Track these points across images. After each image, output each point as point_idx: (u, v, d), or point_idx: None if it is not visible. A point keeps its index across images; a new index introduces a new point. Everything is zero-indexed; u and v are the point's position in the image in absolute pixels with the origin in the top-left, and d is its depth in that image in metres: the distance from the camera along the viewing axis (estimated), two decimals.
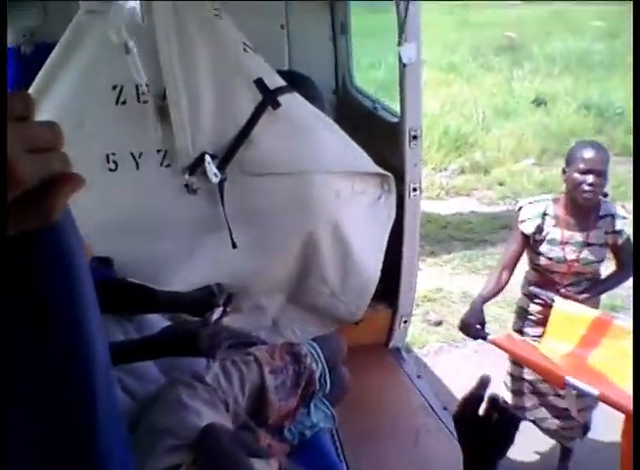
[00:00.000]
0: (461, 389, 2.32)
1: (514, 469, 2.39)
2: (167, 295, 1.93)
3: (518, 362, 2.51)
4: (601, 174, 2.27)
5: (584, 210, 2.35)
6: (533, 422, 2.54)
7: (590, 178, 2.25)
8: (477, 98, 9.54)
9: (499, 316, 4.24)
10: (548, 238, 2.40)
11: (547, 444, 2.75)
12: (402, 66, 2.23)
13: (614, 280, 2.53)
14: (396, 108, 2.55)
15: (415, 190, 2.39)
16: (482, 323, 2.35)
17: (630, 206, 6.16)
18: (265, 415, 1.73)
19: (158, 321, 1.90)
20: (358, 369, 2.07)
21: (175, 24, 1.89)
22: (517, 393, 2.56)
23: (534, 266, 2.48)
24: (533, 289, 2.49)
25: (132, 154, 2.10)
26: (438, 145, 7.64)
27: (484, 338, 2.28)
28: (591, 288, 2.42)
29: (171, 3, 1.87)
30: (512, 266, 2.47)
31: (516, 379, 2.57)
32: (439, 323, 4.37)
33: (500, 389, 2.52)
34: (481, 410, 1.05)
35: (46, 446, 0.56)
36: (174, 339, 1.63)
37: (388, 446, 2.03)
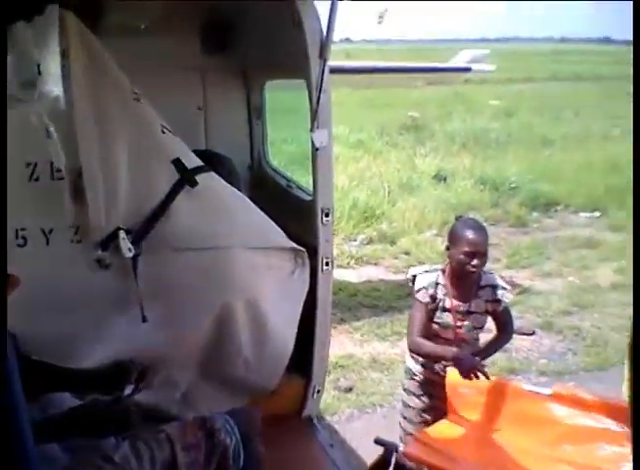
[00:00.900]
0: (372, 454, 2.39)
1: None
2: (76, 372, 1.89)
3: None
4: (484, 254, 2.50)
5: (467, 281, 2.57)
6: None
7: (475, 260, 2.48)
8: (383, 173, 10.12)
9: None
10: (441, 305, 2.59)
11: None
12: (315, 149, 2.39)
13: (495, 344, 2.76)
14: (308, 185, 2.70)
15: (327, 264, 2.50)
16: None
17: (522, 273, 6.63)
18: None
19: (66, 400, 1.85)
20: (272, 440, 2.08)
21: (95, 107, 1.95)
22: None
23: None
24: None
25: (42, 230, 2.08)
26: (348, 216, 7.96)
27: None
28: (477, 354, 2.60)
29: (92, 87, 1.94)
30: (422, 332, 2.60)
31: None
32: (350, 389, 4.45)
33: None
34: None
35: None
36: (84, 417, 1.60)
37: None
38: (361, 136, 14.01)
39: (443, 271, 2.65)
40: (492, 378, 2.46)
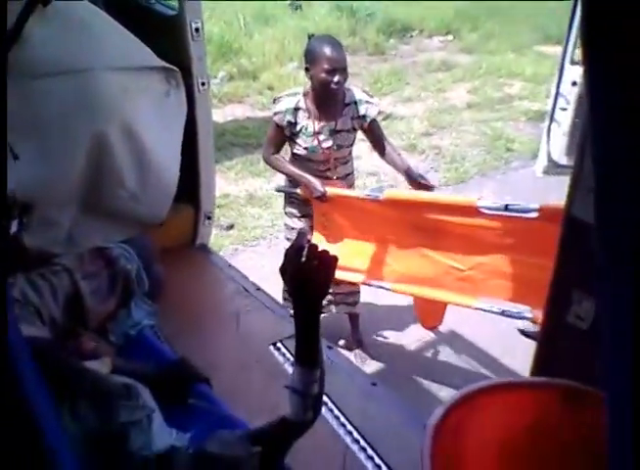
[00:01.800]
0: (262, 280, 2.49)
1: None
2: None
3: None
4: (345, 69, 2.45)
5: (331, 101, 2.53)
6: None
7: (337, 77, 2.41)
8: (235, 4, 9.38)
9: None
10: (303, 130, 2.57)
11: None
12: None
13: (388, 160, 2.79)
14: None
15: (204, 84, 2.35)
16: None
17: (384, 100, 6.74)
18: (85, 321, 1.67)
19: None
20: (170, 268, 2.08)
21: None
22: None
23: (294, 156, 2.65)
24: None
25: None
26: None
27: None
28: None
29: None
30: (275, 150, 2.65)
31: None
32: (231, 227, 4.49)
33: None
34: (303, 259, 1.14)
35: None
36: None
37: (212, 331, 2.11)
38: None
39: (306, 95, 2.57)
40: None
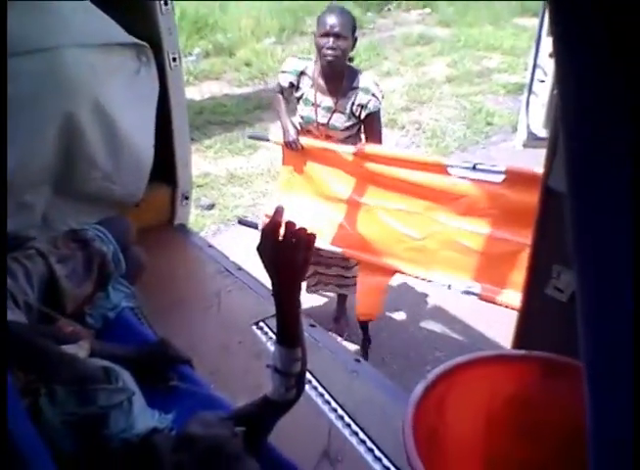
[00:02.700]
0: (245, 261, 2.46)
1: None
2: None
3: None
4: (339, 37, 2.38)
5: (336, 75, 2.47)
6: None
7: (330, 41, 2.36)
8: None
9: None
10: (303, 97, 2.53)
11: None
12: None
13: None
14: None
15: (175, 60, 2.29)
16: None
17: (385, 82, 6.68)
18: (62, 305, 1.64)
19: None
20: (149, 248, 2.05)
21: None
22: None
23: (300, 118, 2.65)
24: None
25: None
26: (178, 29, 7.28)
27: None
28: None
29: None
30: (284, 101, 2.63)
31: None
32: (212, 206, 4.44)
33: None
34: (280, 237, 1.12)
35: None
36: None
37: (193, 312, 2.08)
38: None
39: (315, 62, 2.53)
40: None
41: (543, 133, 3.53)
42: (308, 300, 2.92)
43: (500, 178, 2.12)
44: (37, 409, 1.17)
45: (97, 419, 1.17)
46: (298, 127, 2.62)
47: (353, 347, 2.80)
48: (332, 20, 2.38)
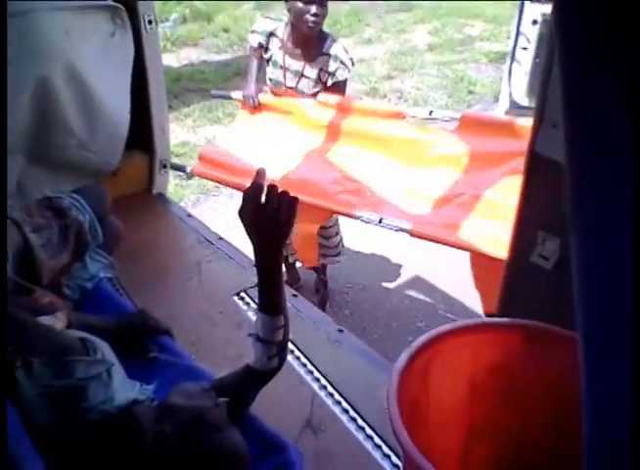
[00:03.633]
0: (226, 230, 2.42)
1: None
2: None
3: None
4: (323, 4, 2.32)
5: (306, 40, 2.41)
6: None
7: (314, 8, 2.29)
8: None
9: None
10: (272, 59, 2.48)
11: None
12: None
13: None
14: None
15: (151, 22, 2.21)
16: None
17: (345, 42, 6.59)
18: (38, 275, 1.60)
19: None
20: (126, 218, 2.00)
21: None
22: None
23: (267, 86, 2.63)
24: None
25: None
26: None
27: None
28: None
29: None
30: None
31: None
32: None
33: None
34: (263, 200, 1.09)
35: None
36: None
37: (173, 283, 2.05)
38: None
39: (286, 25, 2.46)
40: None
41: (525, 102, 3.51)
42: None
43: (454, 125, 2.16)
44: (13, 382, 1.14)
45: (75, 392, 1.14)
46: (267, 89, 2.59)
47: (335, 317, 2.79)
48: None
